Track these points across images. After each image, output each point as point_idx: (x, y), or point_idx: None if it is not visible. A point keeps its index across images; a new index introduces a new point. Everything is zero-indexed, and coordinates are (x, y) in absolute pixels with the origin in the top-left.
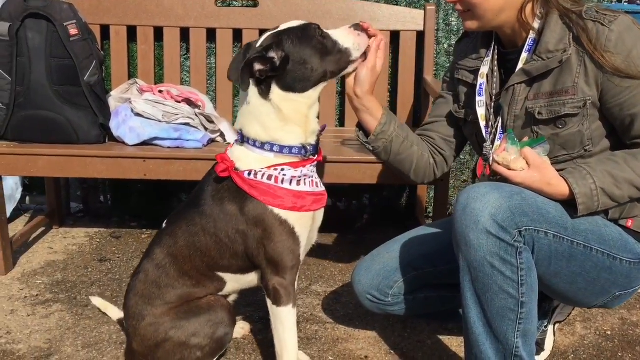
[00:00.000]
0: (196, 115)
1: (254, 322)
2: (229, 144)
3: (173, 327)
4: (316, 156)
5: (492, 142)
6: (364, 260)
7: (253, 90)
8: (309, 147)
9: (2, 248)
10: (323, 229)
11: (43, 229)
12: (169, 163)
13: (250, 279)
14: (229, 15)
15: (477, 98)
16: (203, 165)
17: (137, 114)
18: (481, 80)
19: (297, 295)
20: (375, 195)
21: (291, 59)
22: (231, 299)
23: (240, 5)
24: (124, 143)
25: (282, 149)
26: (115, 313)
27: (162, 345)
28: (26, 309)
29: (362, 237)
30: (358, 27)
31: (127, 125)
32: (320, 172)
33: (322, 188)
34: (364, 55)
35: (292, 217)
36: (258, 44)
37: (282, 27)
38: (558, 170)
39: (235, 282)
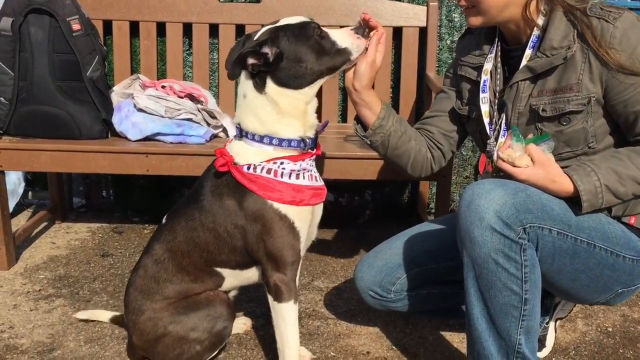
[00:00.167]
0: (199, 110)
1: (255, 318)
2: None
3: (172, 321)
4: (315, 150)
5: (496, 139)
6: (366, 257)
7: (248, 83)
8: (307, 140)
9: (4, 243)
10: (325, 225)
11: (45, 223)
12: (171, 158)
13: (250, 275)
14: (231, 10)
15: (481, 95)
16: (205, 161)
17: (140, 110)
18: (485, 77)
19: (298, 290)
20: (378, 191)
21: (285, 56)
22: (231, 294)
23: (243, 0)
24: (126, 138)
25: (281, 141)
26: (105, 315)
27: (161, 339)
28: (29, 304)
29: (364, 233)
30: (359, 30)
31: (130, 121)
32: (323, 167)
33: (321, 182)
34: (365, 49)
35: (292, 212)
36: (255, 38)
37: (282, 22)
38: (562, 168)
39: (233, 278)
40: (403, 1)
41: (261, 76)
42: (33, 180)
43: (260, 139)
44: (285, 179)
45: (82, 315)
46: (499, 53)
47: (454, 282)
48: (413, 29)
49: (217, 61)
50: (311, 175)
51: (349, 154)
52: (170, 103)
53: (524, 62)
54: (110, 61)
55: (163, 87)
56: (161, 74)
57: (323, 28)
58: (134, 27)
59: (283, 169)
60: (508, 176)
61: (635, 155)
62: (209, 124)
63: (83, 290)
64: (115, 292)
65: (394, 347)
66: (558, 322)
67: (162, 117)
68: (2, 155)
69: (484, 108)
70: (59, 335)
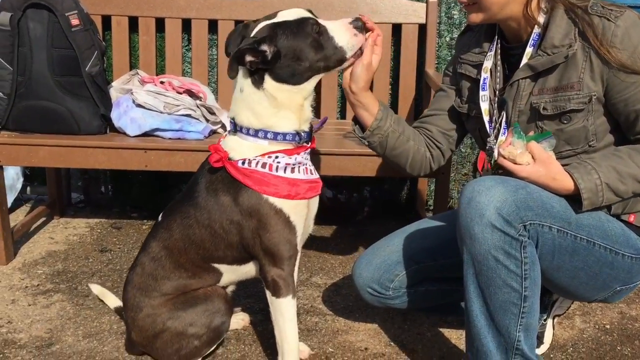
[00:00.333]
0: (197, 106)
1: (254, 314)
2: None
3: (170, 317)
4: (310, 143)
5: (496, 137)
6: (364, 254)
7: (246, 79)
8: (302, 134)
9: (3, 238)
10: (323, 221)
11: (44, 219)
12: (170, 154)
13: (247, 270)
14: (230, 6)
15: (481, 93)
16: (204, 157)
17: (139, 105)
18: (485, 75)
19: (296, 286)
20: (376, 188)
21: (283, 54)
22: (229, 290)
23: None
24: (125, 134)
25: (276, 135)
26: (113, 301)
27: (160, 335)
28: (27, 299)
29: (362, 230)
30: (357, 22)
31: (129, 116)
32: (321, 164)
33: (316, 175)
34: (360, 50)
35: (287, 206)
36: (252, 34)
37: (279, 16)
38: (562, 166)
39: (231, 273)
40: None
41: (259, 72)
42: (31, 175)
43: (255, 133)
44: (281, 173)
45: (95, 289)
46: (499, 51)
47: (453, 279)
48: (412, 25)
49: (216, 57)
50: (306, 168)
51: (347, 150)
52: (169, 99)
53: (524, 60)
54: (109, 56)
55: (162, 82)
56: (160, 70)
57: (321, 21)
58: (133, 23)
59: (278, 162)
60: (508, 174)
61: (635, 154)
62: (207, 120)
63: (81, 285)
64: (113, 287)
65: (392, 343)
66: (556, 319)
67: (161, 112)
68: (1, 150)
69: (484, 106)
70: (57, 330)
